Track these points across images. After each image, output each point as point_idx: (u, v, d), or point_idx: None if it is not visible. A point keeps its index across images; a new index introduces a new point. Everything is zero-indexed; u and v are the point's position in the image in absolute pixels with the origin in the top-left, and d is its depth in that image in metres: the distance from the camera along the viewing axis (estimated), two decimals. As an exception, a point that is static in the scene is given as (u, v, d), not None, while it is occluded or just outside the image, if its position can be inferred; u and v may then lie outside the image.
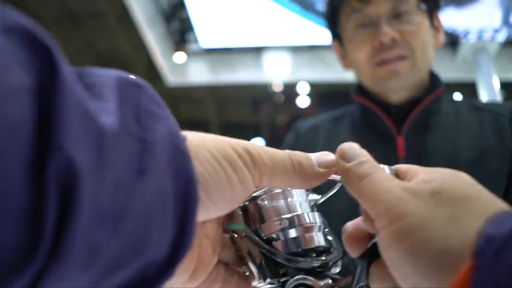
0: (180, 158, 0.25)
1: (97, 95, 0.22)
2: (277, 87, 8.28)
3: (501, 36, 4.84)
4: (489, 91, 4.84)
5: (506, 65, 5.41)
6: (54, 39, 0.21)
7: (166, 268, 0.23)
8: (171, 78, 5.96)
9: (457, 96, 1.05)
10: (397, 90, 0.94)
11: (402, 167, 0.34)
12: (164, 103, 0.26)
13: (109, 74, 0.24)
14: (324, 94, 6.90)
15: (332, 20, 1.01)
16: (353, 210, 0.88)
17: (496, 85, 4.92)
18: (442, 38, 1.00)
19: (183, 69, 6.00)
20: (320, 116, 1.10)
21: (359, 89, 1.02)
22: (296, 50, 5.67)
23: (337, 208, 0.89)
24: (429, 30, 0.95)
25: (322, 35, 5.13)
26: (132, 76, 0.25)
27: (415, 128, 0.91)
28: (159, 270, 0.23)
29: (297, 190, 0.37)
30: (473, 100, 1.02)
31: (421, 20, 0.93)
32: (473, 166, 0.84)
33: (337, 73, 5.53)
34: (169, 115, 0.26)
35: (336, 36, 1.04)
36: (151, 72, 8.44)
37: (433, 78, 0.99)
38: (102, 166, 0.20)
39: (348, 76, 5.53)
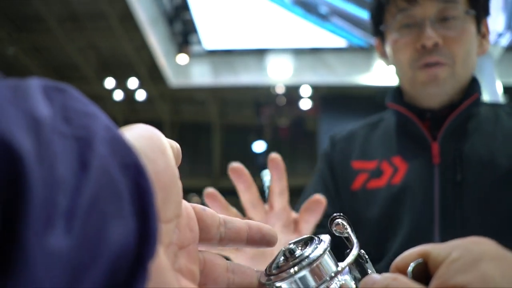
0: (124, 150, 0.23)
1: (22, 96, 0.20)
2: (279, 89, 8.28)
3: (505, 41, 4.83)
4: (492, 96, 4.82)
5: (509, 70, 5.40)
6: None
7: (138, 267, 0.22)
8: (174, 80, 5.96)
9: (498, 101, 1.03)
10: (434, 96, 0.92)
11: (429, 253, 0.34)
12: (93, 102, 0.24)
13: (30, 80, 0.23)
14: (326, 97, 6.90)
15: (377, 17, 0.99)
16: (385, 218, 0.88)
17: (499, 89, 4.91)
18: (487, 45, 0.98)
19: (185, 71, 6.00)
20: (356, 123, 1.08)
21: (395, 94, 1.01)
22: (298, 52, 5.66)
23: (369, 217, 0.89)
24: (474, 37, 0.92)
25: (325, 38, 5.13)
26: (50, 81, 0.23)
27: (451, 133, 0.90)
28: (131, 271, 0.22)
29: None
30: None
31: (468, 26, 0.90)
32: (510, 173, 0.83)
33: (339, 76, 5.53)
34: (101, 112, 0.24)
35: (379, 33, 1.02)
36: (154, 73, 8.45)
37: (474, 82, 0.97)
38: (45, 158, 0.18)
39: (350, 79, 5.53)
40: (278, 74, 5.79)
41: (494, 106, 0.99)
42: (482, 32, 0.96)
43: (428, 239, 0.80)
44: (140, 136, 0.29)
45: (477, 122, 0.92)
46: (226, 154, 10.03)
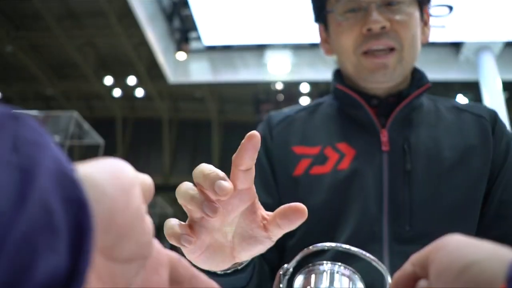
0: (69, 184, 0.23)
1: None
2: (279, 86, 8.28)
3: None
4: (492, 92, 4.82)
5: (509, 65, 5.39)
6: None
7: None
8: (173, 77, 5.95)
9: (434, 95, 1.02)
10: (381, 84, 0.90)
11: (416, 260, 0.35)
12: (47, 133, 0.24)
13: None
14: (325, 93, 6.90)
15: (319, 1, 0.97)
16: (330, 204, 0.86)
17: (499, 85, 4.90)
18: (429, 33, 0.97)
19: (184, 68, 5.99)
20: (292, 107, 1.04)
21: (339, 78, 0.98)
22: (297, 49, 5.66)
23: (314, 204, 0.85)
24: (419, 23, 0.91)
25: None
26: (8, 109, 0.23)
27: (399, 122, 0.89)
28: None
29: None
30: (450, 100, 1.00)
31: (413, 11, 0.89)
32: (456, 166, 0.83)
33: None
34: (53, 143, 0.24)
35: (321, 18, 0.99)
36: (152, 71, 8.45)
37: (418, 72, 0.96)
38: None
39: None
40: (277, 70, 5.78)
41: (432, 98, 0.98)
42: (424, 20, 0.95)
43: (378, 223, 0.80)
44: (104, 171, 0.28)
45: (422, 113, 0.92)
46: (225, 151, 10.04)
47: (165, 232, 0.45)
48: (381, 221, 0.80)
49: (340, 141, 0.89)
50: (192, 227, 0.46)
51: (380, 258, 0.77)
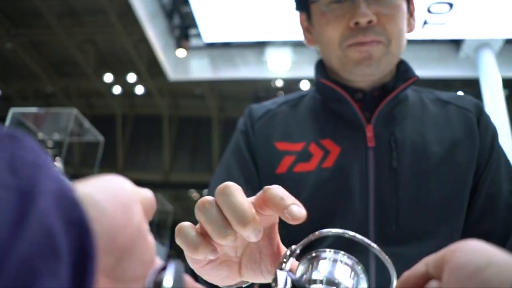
0: (70, 206, 0.22)
1: None
2: (279, 83, 8.27)
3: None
4: (492, 89, 4.81)
5: (509, 62, 5.38)
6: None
7: None
8: (172, 74, 5.94)
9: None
10: (366, 76, 0.87)
11: (430, 260, 0.35)
12: (46, 154, 0.23)
13: None
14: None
15: None
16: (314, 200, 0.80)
17: (499, 82, 4.89)
18: (414, 23, 0.94)
19: (184, 65, 5.98)
20: (273, 100, 1.00)
21: (321, 71, 0.94)
22: (297, 46, 5.65)
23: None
24: (405, 15, 0.88)
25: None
26: (5, 128, 0.22)
27: (384, 117, 0.86)
28: None
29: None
30: (434, 91, 0.97)
31: (400, 3, 0.86)
32: (443, 160, 0.82)
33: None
34: (52, 164, 0.23)
35: (304, 7, 0.96)
36: (152, 68, 8.44)
37: (403, 64, 0.92)
38: None
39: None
40: (277, 67, 5.77)
41: (416, 91, 0.95)
42: (410, 10, 0.93)
43: (363, 224, 0.78)
44: (103, 189, 0.27)
45: (407, 106, 0.89)
46: (225, 149, 10.02)
47: (179, 237, 0.42)
48: (367, 221, 0.78)
49: (324, 138, 0.87)
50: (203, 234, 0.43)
51: (366, 260, 0.75)
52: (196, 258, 0.43)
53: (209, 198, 0.42)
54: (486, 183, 0.82)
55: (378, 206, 0.79)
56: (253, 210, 0.40)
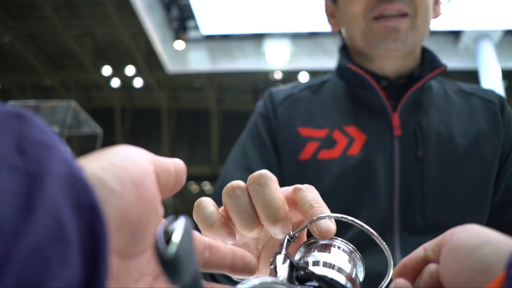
0: (80, 188, 0.21)
1: None
2: (277, 75, 8.25)
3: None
4: (491, 80, 4.80)
5: (509, 54, 5.37)
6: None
7: None
8: (171, 66, 5.92)
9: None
10: (391, 51, 0.85)
11: (429, 245, 0.35)
12: (55, 134, 0.22)
13: None
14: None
15: None
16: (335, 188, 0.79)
17: (499, 73, 4.89)
18: (439, 11, 0.92)
19: (182, 57, 5.96)
20: (293, 85, 0.97)
21: (347, 56, 0.92)
22: (296, 38, 5.63)
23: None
24: None
25: (323, 22, 5.09)
26: (12, 107, 0.21)
27: (410, 105, 0.85)
28: None
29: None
30: (457, 82, 0.96)
31: None
32: (468, 152, 0.81)
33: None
34: (61, 144, 0.22)
35: None
36: (151, 60, 8.41)
37: (429, 53, 0.91)
38: None
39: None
40: (275, 59, 5.76)
41: (439, 80, 0.94)
42: None
43: (388, 213, 0.78)
44: (112, 165, 0.26)
45: (431, 96, 0.88)
46: (224, 141, 10.03)
47: (196, 211, 0.39)
48: (392, 211, 0.78)
49: (348, 124, 0.85)
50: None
51: (392, 250, 0.74)
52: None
53: (240, 183, 0.39)
54: (506, 176, 0.82)
55: (403, 196, 0.79)
56: (287, 207, 0.37)
